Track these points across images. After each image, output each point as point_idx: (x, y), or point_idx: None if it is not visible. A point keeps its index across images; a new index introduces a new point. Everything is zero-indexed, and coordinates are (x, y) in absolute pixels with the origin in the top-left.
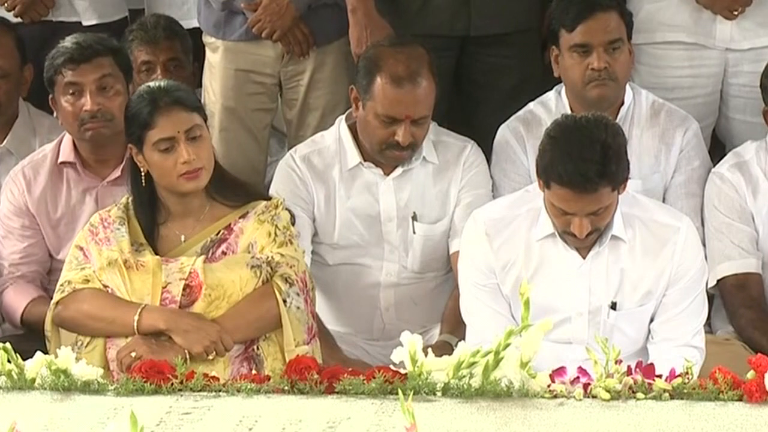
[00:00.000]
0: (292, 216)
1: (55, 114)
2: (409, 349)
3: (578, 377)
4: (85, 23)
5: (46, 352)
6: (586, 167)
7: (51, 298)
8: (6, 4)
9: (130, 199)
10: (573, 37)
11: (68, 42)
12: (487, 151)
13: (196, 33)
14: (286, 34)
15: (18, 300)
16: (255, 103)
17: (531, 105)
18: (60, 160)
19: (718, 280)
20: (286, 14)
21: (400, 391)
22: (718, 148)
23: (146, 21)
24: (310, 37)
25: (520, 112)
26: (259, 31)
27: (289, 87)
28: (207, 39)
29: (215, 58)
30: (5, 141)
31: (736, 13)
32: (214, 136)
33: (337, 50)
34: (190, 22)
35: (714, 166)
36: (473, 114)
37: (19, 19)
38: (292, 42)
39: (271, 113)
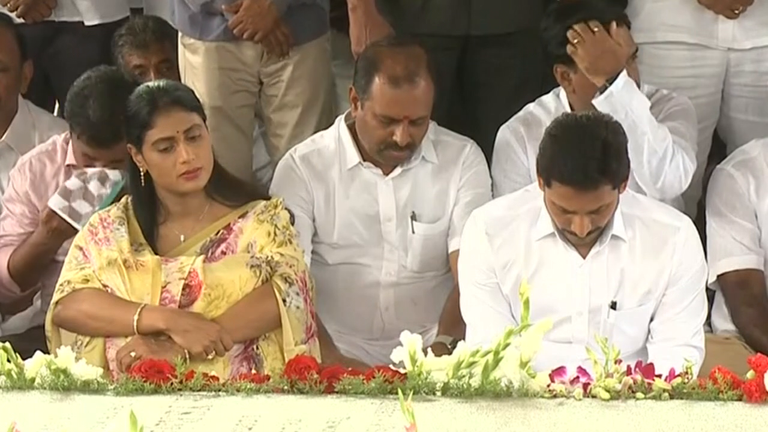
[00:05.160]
0: (292, 215)
1: (55, 113)
2: (408, 349)
3: (578, 377)
4: (87, 23)
5: (46, 352)
6: (586, 164)
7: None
8: (8, 5)
9: (130, 199)
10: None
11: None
12: (489, 150)
13: None
14: (267, 35)
15: (1, 259)
16: (240, 100)
17: (531, 106)
18: (67, 162)
19: (719, 276)
20: (268, 15)
21: (399, 391)
22: (719, 147)
23: (134, 25)
24: (290, 37)
25: (520, 113)
26: (240, 32)
27: (268, 85)
28: (186, 40)
29: (197, 59)
30: (5, 136)
31: (737, 12)
32: None
33: (315, 48)
34: None
35: (714, 166)
36: (474, 113)
37: (21, 20)
38: (273, 42)
39: (254, 108)
